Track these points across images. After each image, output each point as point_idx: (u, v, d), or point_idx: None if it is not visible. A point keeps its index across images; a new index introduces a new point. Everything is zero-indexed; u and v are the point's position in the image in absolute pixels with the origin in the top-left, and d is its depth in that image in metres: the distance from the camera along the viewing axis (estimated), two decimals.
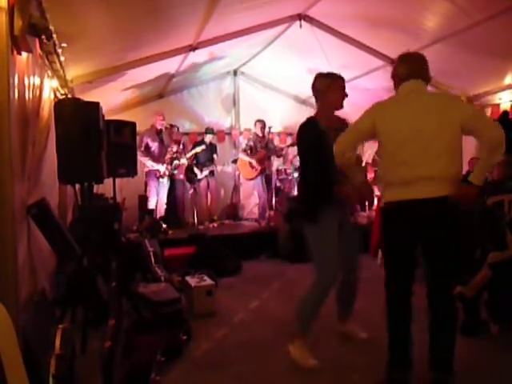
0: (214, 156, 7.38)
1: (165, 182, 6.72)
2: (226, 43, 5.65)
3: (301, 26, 5.55)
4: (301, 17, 5.51)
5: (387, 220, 2.48)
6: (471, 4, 4.28)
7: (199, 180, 7.25)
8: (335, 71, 2.92)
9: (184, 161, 6.92)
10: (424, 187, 2.25)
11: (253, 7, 4.78)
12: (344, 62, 6.00)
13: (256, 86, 8.47)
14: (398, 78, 2.46)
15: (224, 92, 8.30)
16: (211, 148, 7.34)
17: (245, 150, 7.11)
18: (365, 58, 5.98)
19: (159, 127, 6.70)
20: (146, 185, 6.72)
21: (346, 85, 2.91)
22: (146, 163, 6.50)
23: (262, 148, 7.05)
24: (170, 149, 6.78)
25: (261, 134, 7.13)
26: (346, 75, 2.96)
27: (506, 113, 5.75)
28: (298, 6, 5.32)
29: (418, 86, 2.39)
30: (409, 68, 2.42)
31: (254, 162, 6.94)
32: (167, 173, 6.69)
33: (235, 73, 8.23)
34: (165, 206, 6.73)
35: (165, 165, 6.65)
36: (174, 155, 6.80)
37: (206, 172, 7.23)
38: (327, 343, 3.12)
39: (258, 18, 5.31)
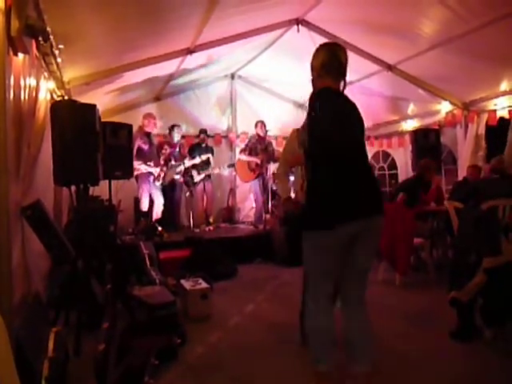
0: (211, 159, 7.37)
1: (158, 185, 6.68)
2: (223, 47, 5.66)
3: (298, 30, 5.58)
4: (298, 21, 5.54)
5: None
6: (468, 10, 4.31)
7: (196, 183, 7.23)
8: None
9: (185, 165, 6.94)
10: None
11: (250, 11, 4.80)
12: None
13: (253, 90, 8.49)
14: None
15: (221, 95, 8.30)
16: (207, 150, 7.33)
17: (244, 150, 7.10)
18: (361, 63, 5.99)
19: (150, 130, 6.66)
20: (138, 188, 6.67)
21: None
22: (139, 167, 6.37)
23: (262, 151, 7.07)
24: (163, 151, 6.76)
25: (262, 135, 7.16)
26: None
27: (503, 119, 5.77)
28: (295, 10, 5.35)
29: None
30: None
31: (253, 162, 6.93)
32: (162, 175, 6.66)
33: (232, 76, 8.25)
34: (162, 208, 6.68)
35: (159, 167, 6.62)
36: (170, 158, 6.80)
37: (202, 175, 7.22)
38: None
39: (255, 22, 5.33)
